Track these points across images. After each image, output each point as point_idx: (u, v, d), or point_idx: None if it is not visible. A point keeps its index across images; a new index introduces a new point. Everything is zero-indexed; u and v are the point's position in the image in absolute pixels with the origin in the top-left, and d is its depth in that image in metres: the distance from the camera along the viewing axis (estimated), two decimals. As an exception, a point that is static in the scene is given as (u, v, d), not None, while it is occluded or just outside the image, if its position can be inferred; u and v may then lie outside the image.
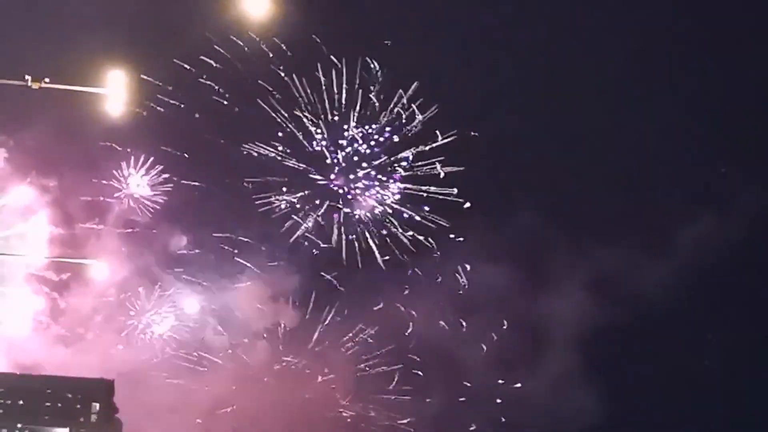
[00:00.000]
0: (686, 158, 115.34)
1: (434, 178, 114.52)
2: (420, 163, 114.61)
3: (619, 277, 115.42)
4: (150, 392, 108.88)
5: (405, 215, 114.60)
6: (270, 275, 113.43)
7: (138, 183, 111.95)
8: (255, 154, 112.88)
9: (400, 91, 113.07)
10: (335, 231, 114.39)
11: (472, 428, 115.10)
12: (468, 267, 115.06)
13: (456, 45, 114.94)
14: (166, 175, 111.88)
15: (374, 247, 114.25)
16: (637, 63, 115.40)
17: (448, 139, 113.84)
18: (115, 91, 62.11)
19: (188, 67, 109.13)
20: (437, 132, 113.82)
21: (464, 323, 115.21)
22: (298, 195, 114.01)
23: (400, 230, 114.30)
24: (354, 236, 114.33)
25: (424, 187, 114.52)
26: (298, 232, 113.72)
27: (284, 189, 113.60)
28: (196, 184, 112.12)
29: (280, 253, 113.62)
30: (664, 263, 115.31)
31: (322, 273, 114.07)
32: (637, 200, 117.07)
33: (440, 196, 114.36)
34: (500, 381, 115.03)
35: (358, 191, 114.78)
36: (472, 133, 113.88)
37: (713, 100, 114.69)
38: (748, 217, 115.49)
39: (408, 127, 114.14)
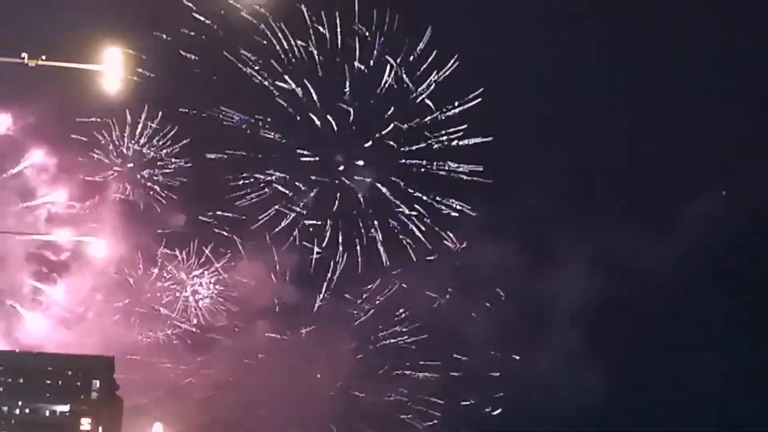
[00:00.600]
0: (693, 136, 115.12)
1: (442, 153, 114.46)
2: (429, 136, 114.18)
3: (623, 253, 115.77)
4: (150, 372, 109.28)
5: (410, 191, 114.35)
6: (267, 253, 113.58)
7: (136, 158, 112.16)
8: (244, 126, 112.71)
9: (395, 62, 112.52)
10: (336, 205, 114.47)
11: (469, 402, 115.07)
12: (465, 244, 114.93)
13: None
14: (166, 151, 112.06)
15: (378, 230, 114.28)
16: (646, 42, 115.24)
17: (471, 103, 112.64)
18: (111, 68, 61.75)
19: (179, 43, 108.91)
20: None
21: (465, 298, 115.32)
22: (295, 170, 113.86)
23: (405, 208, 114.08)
24: (355, 212, 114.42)
25: (442, 164, 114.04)
26: (296, 207, 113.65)
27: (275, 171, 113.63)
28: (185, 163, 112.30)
29: (275, 230, 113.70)
30: (669, 241, 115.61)
31: (319, 250, 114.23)
32: (642, 178, 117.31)
33: (459, 174, 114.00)
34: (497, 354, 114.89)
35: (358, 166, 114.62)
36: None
37: (722, 78, 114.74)
38: (754, 194, 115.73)
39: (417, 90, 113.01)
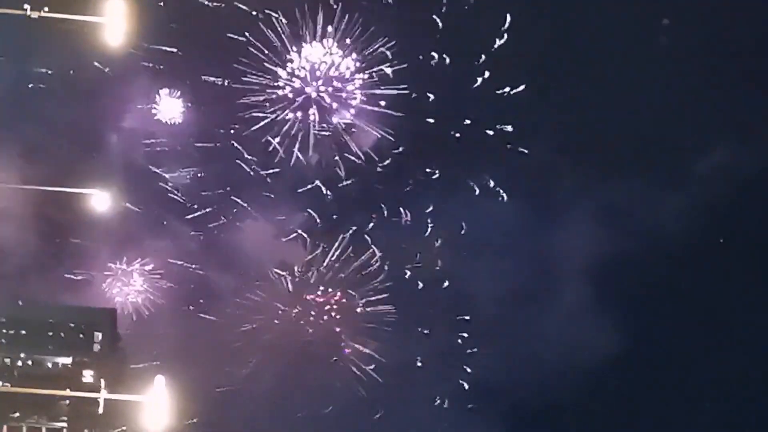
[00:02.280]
0: (700, 88, 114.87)
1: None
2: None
3: (633, 208, 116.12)
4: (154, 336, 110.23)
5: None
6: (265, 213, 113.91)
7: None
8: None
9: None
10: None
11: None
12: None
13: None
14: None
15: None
16: None
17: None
18: (114, 20, 62.30)
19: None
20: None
21: (470, 258, 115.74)
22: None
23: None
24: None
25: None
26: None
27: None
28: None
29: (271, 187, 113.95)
30: (679, 195, 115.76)
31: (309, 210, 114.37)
32: (650, 131, 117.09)
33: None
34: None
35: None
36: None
37: (728, 29, 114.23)
38: (765, 148, 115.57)
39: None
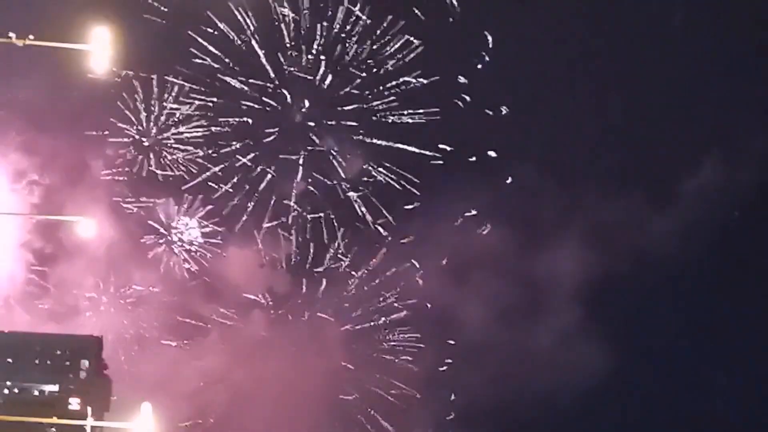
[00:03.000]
0: (691, 105, 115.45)
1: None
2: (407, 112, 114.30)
3: (623, 229, 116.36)
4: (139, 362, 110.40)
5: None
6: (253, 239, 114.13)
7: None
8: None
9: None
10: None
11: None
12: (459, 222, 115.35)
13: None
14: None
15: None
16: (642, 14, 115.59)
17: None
18: (99, 48, 62.40)
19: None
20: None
21: (461, 280, 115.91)
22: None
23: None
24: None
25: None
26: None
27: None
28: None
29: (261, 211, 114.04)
30: (668, 214, 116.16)
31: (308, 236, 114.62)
32: (639, 150, 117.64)
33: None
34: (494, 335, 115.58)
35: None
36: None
37: (719, 46, 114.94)
38: (755, 164, 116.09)
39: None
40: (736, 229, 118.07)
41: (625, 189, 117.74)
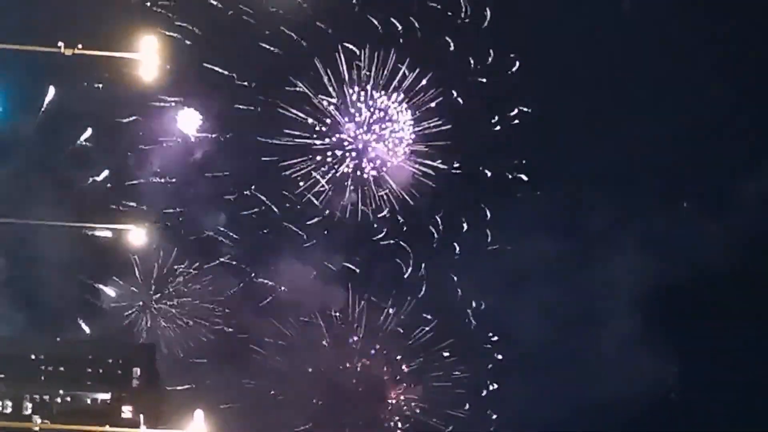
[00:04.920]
0: (743, 111, 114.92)
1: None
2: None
3: (678, 238, 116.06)
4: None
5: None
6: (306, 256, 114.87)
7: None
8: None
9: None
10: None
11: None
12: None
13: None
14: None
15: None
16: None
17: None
18: (148, 56, 64.38)
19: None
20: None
21: (514, 293, 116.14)
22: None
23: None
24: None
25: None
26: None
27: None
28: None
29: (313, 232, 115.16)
30: (723, 222, 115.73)
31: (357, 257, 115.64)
32: (693, 158, 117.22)
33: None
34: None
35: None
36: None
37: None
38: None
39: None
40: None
41: (677, 197, 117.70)
